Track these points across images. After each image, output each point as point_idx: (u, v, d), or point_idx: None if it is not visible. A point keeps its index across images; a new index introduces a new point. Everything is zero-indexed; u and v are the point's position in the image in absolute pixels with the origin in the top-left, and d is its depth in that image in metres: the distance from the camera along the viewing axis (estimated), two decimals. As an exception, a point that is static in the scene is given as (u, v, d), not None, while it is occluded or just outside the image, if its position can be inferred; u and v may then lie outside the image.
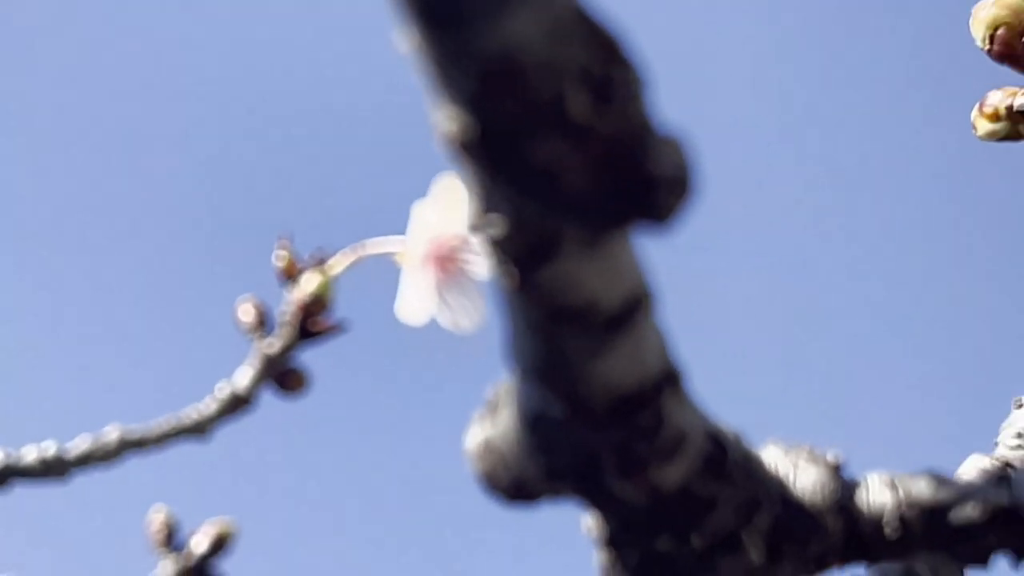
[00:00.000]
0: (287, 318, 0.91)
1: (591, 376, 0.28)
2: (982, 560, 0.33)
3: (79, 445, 0.91)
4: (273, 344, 0.92)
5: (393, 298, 0.78)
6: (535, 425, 0.29)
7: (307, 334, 0.91)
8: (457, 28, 0.22)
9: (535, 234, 0.25)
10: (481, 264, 0.76)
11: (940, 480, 0.33)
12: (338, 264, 0.88)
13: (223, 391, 0.93)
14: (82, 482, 0.91)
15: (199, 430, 0.93)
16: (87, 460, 0.90)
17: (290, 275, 0.89)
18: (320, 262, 0.88)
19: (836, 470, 0.33)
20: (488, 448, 0.30)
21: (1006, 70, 0.51)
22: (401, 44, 0.24)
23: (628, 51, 0.24)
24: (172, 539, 0.97)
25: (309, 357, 0.94)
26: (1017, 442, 0.46)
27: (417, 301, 0.78)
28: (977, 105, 0.52)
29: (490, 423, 0.30)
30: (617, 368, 0.28)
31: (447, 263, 0.78)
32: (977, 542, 0.32)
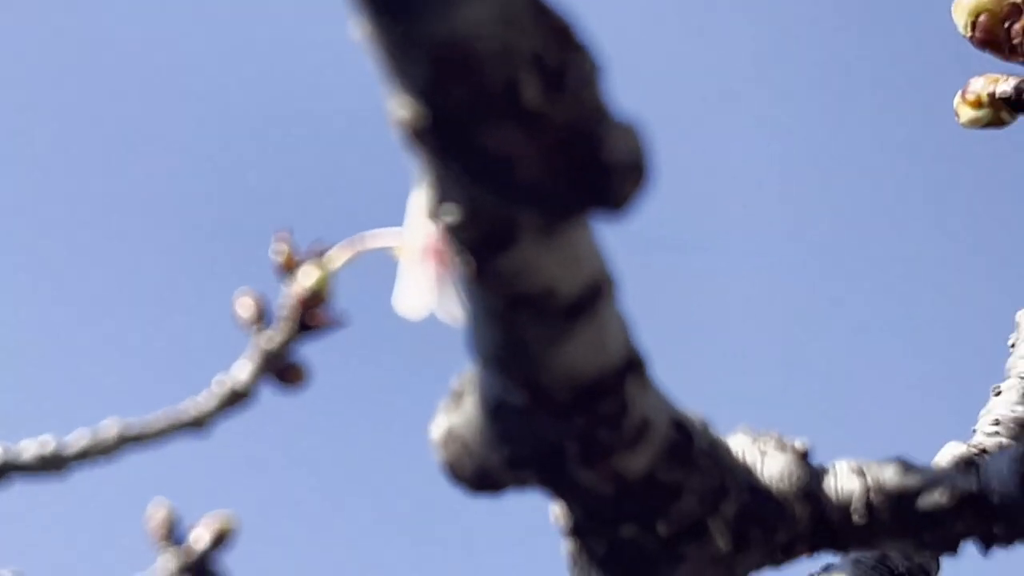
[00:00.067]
0: (286, 312, 0.91)
1: (552, 364, 0.27)
2: (951, 547, 0.32)
3: (78, 440, 0.91)
4: (272, 338, 0.92)
5: (391, 291, 0.77)
6: (497, 414, 0.29)
7: (306, 328, 0.91)
8: (407, 14, 0.22)
9: (491, 222, 0.25)
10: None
11: (908, 467, 0.33)
12: (336, 258, 0.87)
13: (222, 385, 0.93)
14: (82, 477, 0.91)
15: (198, 424, 0.93)
16: (86, 455, 0.90)
17: (288, 269, 0.89)
18: (318, 256, 0.88)
19: (804, 457, 0.33)
20: (452, 437, 0.30)
21: (988, 57, 0.51)
22: (354, 32, 0.23)
23: (582, 36, 0.24)
24: (172, 533, 0.97)
25: (308, 351, 0.94)
26: (994, 429, 0.46)
27: (416, 294, 0.77)
28: (960, 92, 0.52)
29: (455, 412, 0.30)
30: (578, 356, 0.28)
31: (446, 256, 0.77)
32: (945, 528, 0.32)
